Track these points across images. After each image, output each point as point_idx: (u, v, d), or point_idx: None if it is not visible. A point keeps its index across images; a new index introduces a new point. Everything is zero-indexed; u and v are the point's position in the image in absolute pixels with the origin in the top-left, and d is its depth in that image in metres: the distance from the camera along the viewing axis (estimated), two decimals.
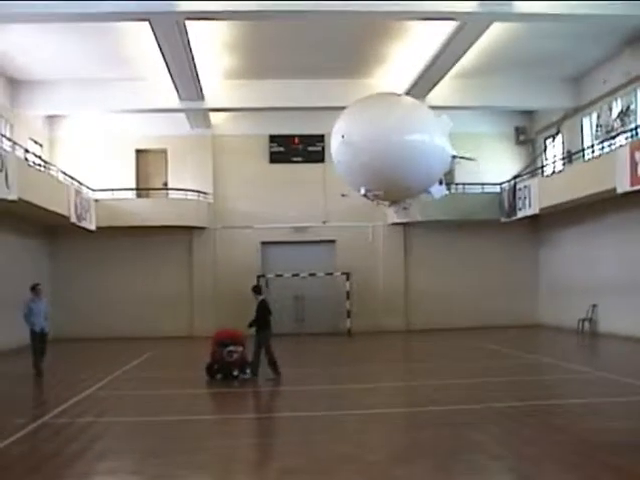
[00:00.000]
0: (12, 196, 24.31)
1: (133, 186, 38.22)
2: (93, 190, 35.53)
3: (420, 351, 29.99)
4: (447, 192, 24.38)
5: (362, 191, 20.33)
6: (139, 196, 38.46)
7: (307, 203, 37.71)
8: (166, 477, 10.59)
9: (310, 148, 37.92)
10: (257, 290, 21.53)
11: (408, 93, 30.90)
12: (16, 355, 26.54)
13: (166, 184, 38.40)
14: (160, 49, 26.59)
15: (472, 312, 37.41)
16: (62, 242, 36.59)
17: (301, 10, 23.66)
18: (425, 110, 22.02)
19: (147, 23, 24.17)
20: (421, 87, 31.29)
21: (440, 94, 32.35)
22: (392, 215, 36.38)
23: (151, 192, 39.00)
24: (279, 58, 30.45)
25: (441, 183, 21.82)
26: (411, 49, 29.20)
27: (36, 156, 30.51)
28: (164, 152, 38.56)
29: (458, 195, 37.66)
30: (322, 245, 38.22)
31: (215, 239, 38.06)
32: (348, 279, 36.27)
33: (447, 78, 31.16)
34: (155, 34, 25.12)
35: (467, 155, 23.08)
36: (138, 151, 38.55)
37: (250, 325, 20.41)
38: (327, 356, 28.01)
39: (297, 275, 36.39)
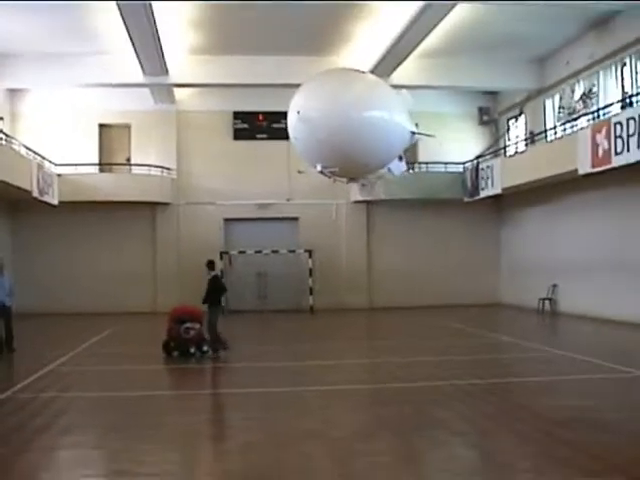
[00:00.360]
0: None
1: (96, 161, 38.01)
2: (56, 165, 35.27)
3: (383, 329, 30.30)
4: (407, 169, 24.43)
5: (318, 168, 19.99)
6: (102, 171, 38.22)
7: (271, 180, 37.69)
8: (128, 452, 10.64)
9: (274, 125, 37.76)
10: (210, 266, 21.21)
11: (373, 71, 30.86)
12: None
13: (129, 159, 38.24)
14: (125, 24, 26.47)
15: (435, 290, 37.75)
16: (24, 217, 36.34)
17: None
18: (384, 86, 21.56)
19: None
20: (386, 66, 31.40)
21: (405, 73, 32.53)
22: (355, 193, 36.60)
23: (114, 167, 38.80)
24: (245, 35, 30.38)
25: (401, 159, 21.55)
26: (376, 28, 29.31)
27: (2, 133, 30.21)
28: (128, 127, 38.38)
29: (421, 174, 37.97)
30: (285, 222, 38.33)
31: (178, 215, 38.01)
32: (311, 256, 36.36)
33: (412, 57, 31.32)
34: (120, 9, 25.01)
35: (427, 132, 22.66)
36: (101, 126, 38.35)
37: (204, 301, 20.31)
38: (289, 333, 28.16)
39: (260, 252, 36.45)
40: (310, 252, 36.50)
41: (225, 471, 9.75)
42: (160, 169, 37.24)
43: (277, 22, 28.96)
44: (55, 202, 34.03)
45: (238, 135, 38.38)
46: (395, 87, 33.74)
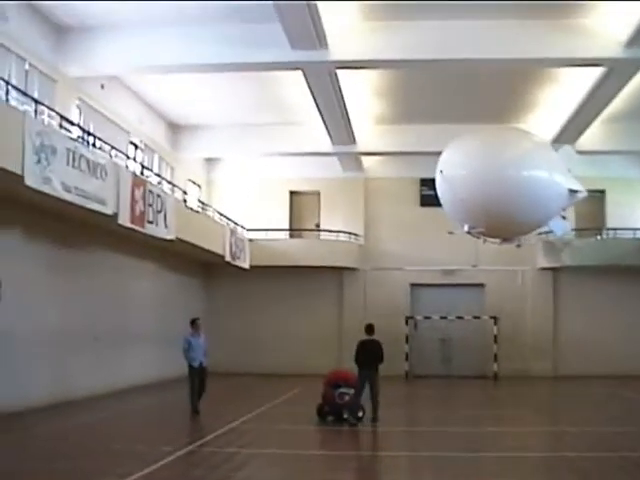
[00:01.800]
0: (170, 236, 25.65)
1: (287, 227, 39.34)
2: (248, 230, 36.82)
3: (565, 397, 29.65)
4: (569, 228, 23.31)
5: (465, 228, 19.39)
6: (292, 236, 39.59)
7: (457, 246, 37.68)
8: None
9: None
10: (368, 330, 20.38)
11: (557, 139, 30.93)
12: (172, 387, 27.61)
13: (318, 225, 39.35)
14: (313, 96, 27.62)
15: (622, 359, 36.45)
16: (217, 280, 38.08)
17: (447, 59, 24.29)
18: (538, 142, 20.87)
19: (300, 71, 25.22)
20: (571, 132, 31.25)
21: (590, 139, 32.26)
22: (542, 260, 36.30)
23: (304, 233, 40.07)
24: (429, 103, 30.98)
25: (564, 218, 20.64)
26: (560, 94, 29.24)
27: (198, 201, 31.89)
28: (317, 194, 39.62)
29: (609, 240, 37.23)
30: (471, 288, 38.25)
31: (365, 280, 38.67)
32: (496, 323, 36.11)
33: (597, 122, 30.96)
34: (308, 82, 26.17)
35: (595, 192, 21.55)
36: (292, 193, 39.80)
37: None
38: (470, 399, 28.05)
39: (445, 318, 36.57)
40: (495, 319, 36.26)
41: None
42: (348, 235, 38.13)
43: (461, 90, 29.39)
44: (246, 266, 35.46)
45: (425, 201, 38.71)
46: (582, 153, 33.88)
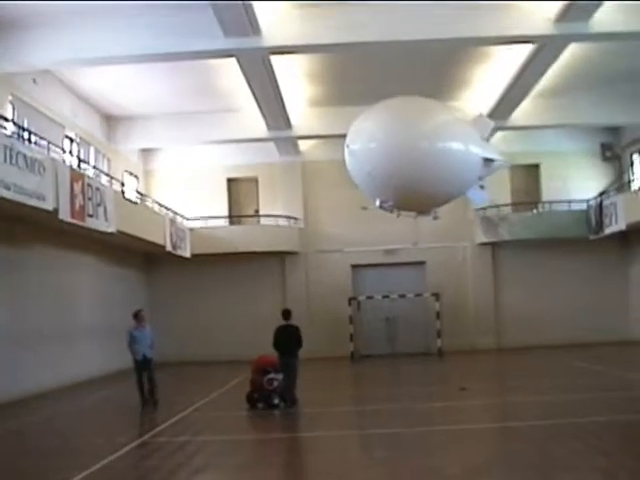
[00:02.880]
0: (111, 228, 25.60)
1: (226, 214, 39.41)
2: (187, 219, 36.81)
3: (509, 369, 30.27)
4: (489, 198, 22.34)
5: (377, 203, 18.67)
6: (232, 224, 39.59)
7: (397, 225, 37.78)
8: None
9: None
10: (285, 315, 20.35)
11: (491, 114, 31.39)
12: (120, 380, 27.58)
13: (257, 211, 39.44)
14: (247, 82, 27.69)
15: (562, 330, 37.22)
16: (159, 270, 38.08)
17: (379, 41, 24.54)
18: (442, 111, 19.86)
19: (234, 58, 25.29)
20: (504, 108, 31.77)
21: (523, 114, 32.81)
22: (480, 235, 36.90)
23: (243, 219, 40.17)
24: (362, 85, 31.17)
25: (482, 188, 20.05)
26: (492, 72, 29.71)
27: (137, 192, 31.80)
28: (255, 180, 39.68)
29: (545, 213, 37.96)
30: (412, 267, 38.64)
31: (307, 263, 38.90)
32: (438, 300, 36.62)
33: (529, 98, 31.53)
34: (242, 69, 26.24)
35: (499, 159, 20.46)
36: (230, 180, 39.80)
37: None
38: (416, 376, 28.50)
39: (387, 297, 36.95)
40: (437, 295, 36.74)
41: None
42: (287, 219, 38.28)
43: (394, 71, 29.63)
44: (188, 255, 35.49)
45: None
46: (515, 129, 34.49)
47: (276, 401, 19.28)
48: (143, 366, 20.67)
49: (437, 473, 11.72)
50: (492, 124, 20.98)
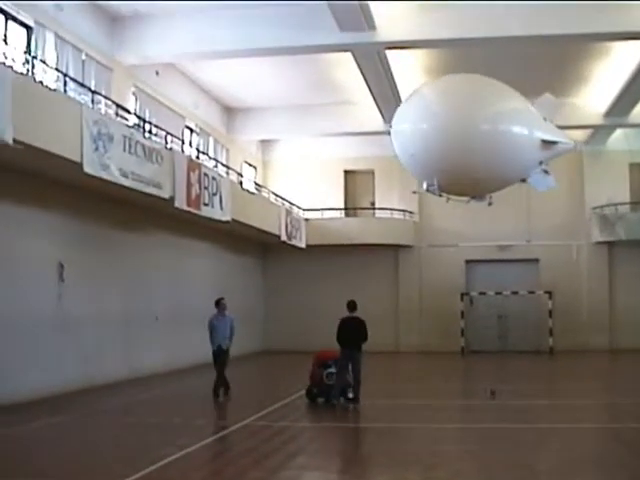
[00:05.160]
0: (226, 217, 26.31)
1: (341, 206, 39.86)
2: (303, 210, 37.40)
3: (619, 370, 29.81)
4: (553, 184, 21.38)
5: (424, 186, 17.69)
6: (347, 215, 40.04)
7: (511, 222, 37.93)
8: (345, 474, 11.82)
9: None
10: (350, 307, 19.72)
11: (610, 111, 30.95)
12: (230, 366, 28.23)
13: (373, 203, 39.73)
14: (363, 76, 27.99)
15: None
16: (274, 259, 38.82)
17: (496, 36, 24.45)
18: (492, 90, 18.09)
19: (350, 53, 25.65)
20: (623, 105, 31.15)
21: None
22: (596, 234, 36.31)
23: (359, 211, 40.54)
24: None
25: (547, 173, 18.51)
26: (612, 68, 29.21)
27: (254, 182, 32.51)
28: (371, 173, 39.98)
29: None
30: (525, 263, 38.31)
31: (420, 257, 39.03)
32: (551, 298, 36.26)
33: None
34: (358, 63, 26.55)
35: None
36: (346, 172, 40.19)
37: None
38: (525, 373, 28.36)
39: (500, 293, 36.83)
40: (550, 293, 36.40)
41: None
42: (402, 212, 38.46)
43: (512, 66, 29.39)
44: (303, 245, 36.06)
45: None
46: (635, 126, 33.80)
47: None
48: (219, 356, 20.12)
49: (527, 468, 11.85)
50: (559, 103, 19.70)
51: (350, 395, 18.34)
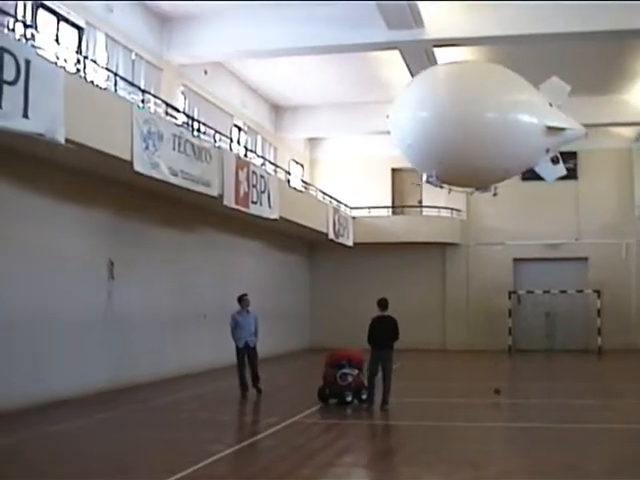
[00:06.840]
0: (274, 215, 26.44)
1: (389, 204, 39.82)
2: (351, 208, 37.44)
3: None
4: (562, 172, 20.01)
5: (424, 177, 17.80)
6: (394, 213, 40.03)
7: (559, 220, 37.68)
8: (393, 472, 11.86)
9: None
10: (381, 305, 18.36)
11: None
12: (277, 363, 28.38)
13: (421, 202, 39.62)
14: (411, 74, 27.87)
15: None
16: (321, 257, 38.95)
17: (545, 33, 24.30)
18: (495, 77, 18.44)
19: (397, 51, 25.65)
20: None
21: None
22: None
23: (406, 209, 40.50)
24: (527, 77, 30.81)
25: (556, 162, 18.30)
26: None
27: (301, 180, 32.63)
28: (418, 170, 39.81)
29: None
30: (574, 262, 37.98)
31: (468, 255, 38.94)
32: (599, 297, 35.96)
33: None
34: (405, 61, 26.54)
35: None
36: (394, 170, 40.14)
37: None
38: (572, 372, 28.18)
39: (548, 292, 36.59)
40: (599, 292, 36.09)
41: None
42: (450, 210, 38.35)
43: (560, 64, 29.20)
44: (350, 244, 36.10)
45: (526, 176, 38.46)
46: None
47: (349, 398, 17.95)
48: (245, 353, 20.02)
49: (575, 469, 11.74)
50: (568, 88, 19.09)
51: (364, 396, 17.97)
